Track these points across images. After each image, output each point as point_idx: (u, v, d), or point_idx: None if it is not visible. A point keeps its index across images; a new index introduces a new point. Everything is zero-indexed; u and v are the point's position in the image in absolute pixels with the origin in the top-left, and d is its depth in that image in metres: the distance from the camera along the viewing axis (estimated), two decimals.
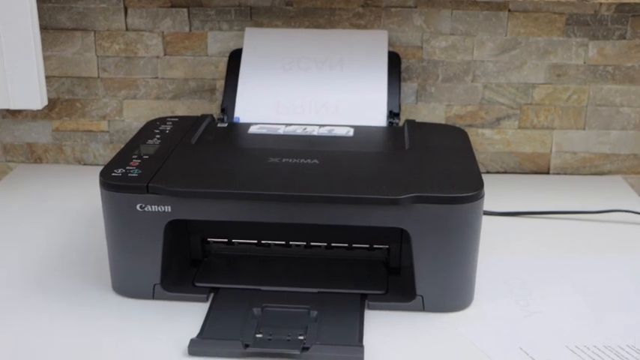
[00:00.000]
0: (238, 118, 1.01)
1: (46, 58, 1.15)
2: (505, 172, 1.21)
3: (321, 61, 1.06)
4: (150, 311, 0.79)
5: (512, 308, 0.80)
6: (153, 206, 0.76)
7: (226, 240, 0.88)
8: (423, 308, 0.78)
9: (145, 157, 0.83)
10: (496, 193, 1.08)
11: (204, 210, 0.76)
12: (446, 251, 0.76)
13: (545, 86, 1.16)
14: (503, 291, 0.84)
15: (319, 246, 0.87)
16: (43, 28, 1.14)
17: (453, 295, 0.79)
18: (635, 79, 1.15)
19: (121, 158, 0.82)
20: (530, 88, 1.16)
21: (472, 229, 0.76)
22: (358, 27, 1.13)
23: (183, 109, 1.19)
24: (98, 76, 1.18)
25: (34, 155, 1.23)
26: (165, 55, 1.16)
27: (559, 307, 0.81)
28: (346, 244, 0.87)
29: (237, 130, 0.96)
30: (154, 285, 0.80)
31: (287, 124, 0.96)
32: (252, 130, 0.95)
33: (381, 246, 0.86)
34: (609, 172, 1.20)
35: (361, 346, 0.71)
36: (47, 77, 1.16)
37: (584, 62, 1.14)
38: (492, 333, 0.76)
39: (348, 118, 1.00)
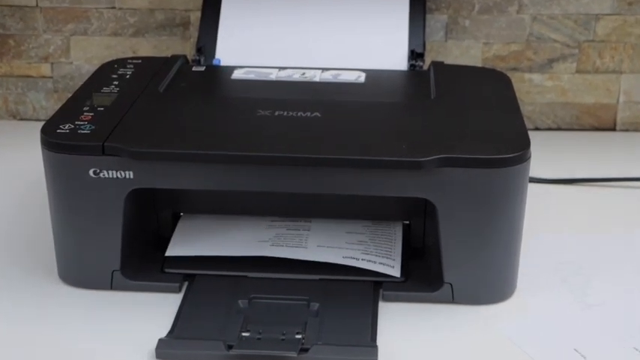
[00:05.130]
0: (219, 60, 1.02)
1: None
2: (558, 129, 1.21)
3: None
4: (107, 305, 0.80)
5: (565, 300, 0.81)
6: (110, 171, 0.76)
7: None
8: (453, 299, 0.79)
9: (99, 109, 0.83)
10: (546, 155, 1.09)
11: (175, 176, 0.76)
12: (481, 228, 0.76)
13: (611, 18, 1.16)
14: (554, 278, 0.85)
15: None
16: None
17: (490, 284, 0.80)
18: None
19: (69, 111, 0.83)
20: (592, 21, 1.16)
21: (515, 200, 0.76)
22: None
23: (148, 48, 1.19)
24: (37, 5, 1.18)
25: None
26: None
27: (624, 298, 0.81)
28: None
29: (217, 74, 0.97)
30: (113, 272, 0.81)
31: (281, 68, 0.97)
32: (237, 74, 0.95)
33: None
34: None
35: (374, 346, 0.72)
36: None
37: None
38: (540, 331, 0.76)
39: (359, 60, 1.00)
